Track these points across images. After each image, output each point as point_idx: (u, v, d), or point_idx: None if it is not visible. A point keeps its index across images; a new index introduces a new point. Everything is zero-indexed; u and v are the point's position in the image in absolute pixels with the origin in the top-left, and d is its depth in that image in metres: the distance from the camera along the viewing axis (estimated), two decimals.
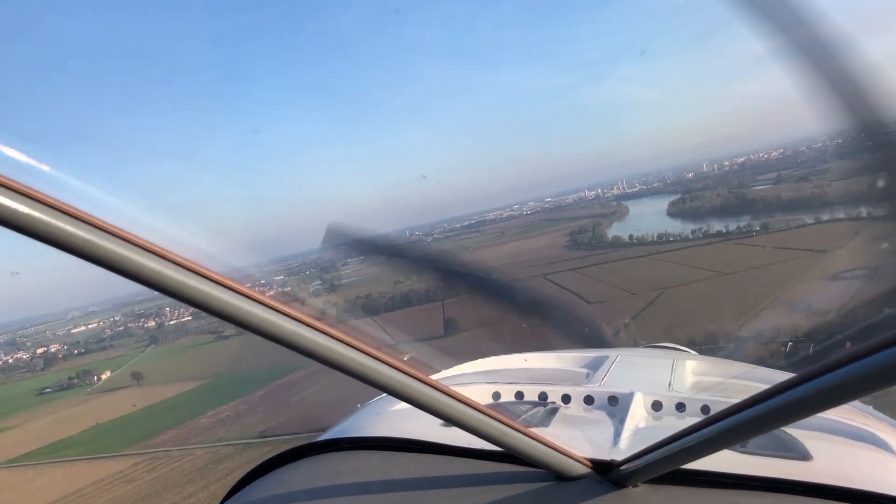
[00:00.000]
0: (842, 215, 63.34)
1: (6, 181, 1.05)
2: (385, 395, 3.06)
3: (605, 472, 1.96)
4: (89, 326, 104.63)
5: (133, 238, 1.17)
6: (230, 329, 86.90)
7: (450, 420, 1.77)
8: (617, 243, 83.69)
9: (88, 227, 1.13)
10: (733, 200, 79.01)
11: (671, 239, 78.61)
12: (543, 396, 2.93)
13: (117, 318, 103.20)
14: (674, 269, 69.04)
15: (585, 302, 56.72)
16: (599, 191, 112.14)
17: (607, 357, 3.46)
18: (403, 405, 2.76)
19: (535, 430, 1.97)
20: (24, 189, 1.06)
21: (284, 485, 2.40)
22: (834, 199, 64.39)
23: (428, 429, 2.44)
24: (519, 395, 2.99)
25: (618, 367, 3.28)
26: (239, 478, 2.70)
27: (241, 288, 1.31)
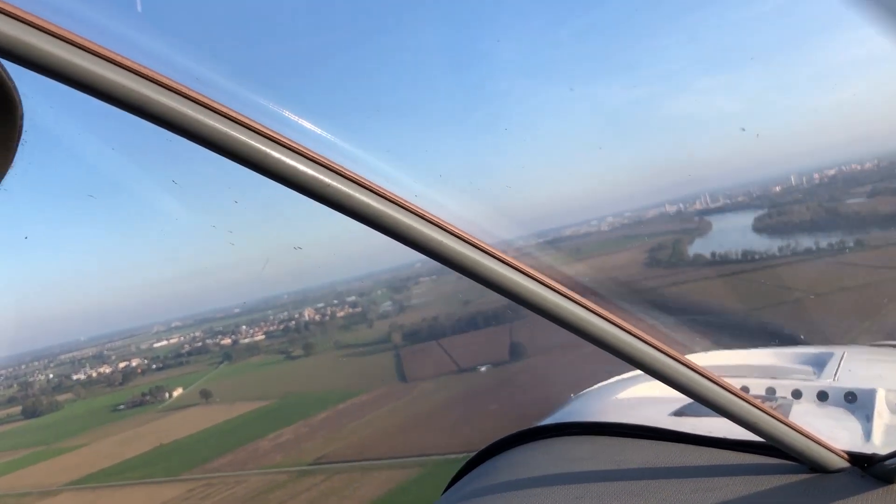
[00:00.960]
0: None
1: (305, 151, 1.18)
2: (602, 384, 3.34)
3: (866, 467, 1.87)
4: (170, 341, 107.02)
5: (416, 209, 1.31)
6: (298, 350, 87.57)
7: (706, 402, 1.74)
8: (698, 261, 79.75)
9: (381, 198, 1.27)
10: (824, 215, 73.99)
11: (756, 257, 74.29)
12: (771, 391, 2.80)
13: (197, 334, 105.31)
14: (760, 289, 64.95)
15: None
16: (681, 205, 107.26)
17: (833, 354, 3.27)
18: (626, 394, 2.89)
19: (790, 420, 1.88)
20: (323, 160, 1.20)
21: (517, 466, 2.36)
22: None
23: (658, 416, 2.38)
24: (745, 389, 2.74)
25: (847, 363, 3.09)
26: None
27: (514, 261, 1.45)
